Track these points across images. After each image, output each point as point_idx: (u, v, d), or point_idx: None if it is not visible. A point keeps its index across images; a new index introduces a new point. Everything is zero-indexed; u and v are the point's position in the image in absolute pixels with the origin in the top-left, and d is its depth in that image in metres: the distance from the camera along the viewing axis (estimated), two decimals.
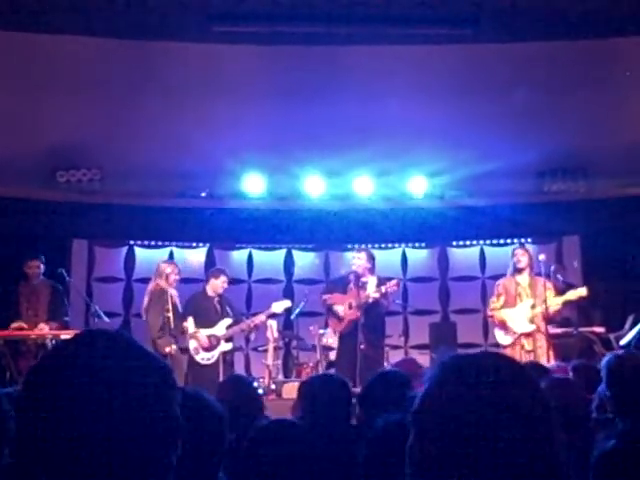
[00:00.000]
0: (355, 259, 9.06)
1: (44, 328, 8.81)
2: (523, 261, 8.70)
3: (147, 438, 1.24)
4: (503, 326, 8.72)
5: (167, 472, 1.27)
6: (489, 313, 9.08)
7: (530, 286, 8.64)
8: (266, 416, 4.31)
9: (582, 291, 8.56)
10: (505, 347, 8.65)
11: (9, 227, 10.39)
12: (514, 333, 8.58)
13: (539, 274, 8.71)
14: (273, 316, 9.48)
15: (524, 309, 8.58)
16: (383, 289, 8.72)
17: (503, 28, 9.61)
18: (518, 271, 8.73)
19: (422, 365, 7.21)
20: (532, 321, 8.53)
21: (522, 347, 8.50)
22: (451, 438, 1.27)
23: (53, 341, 8.67)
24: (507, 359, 1.40)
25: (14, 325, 8.78)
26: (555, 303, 8.50)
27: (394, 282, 8.93)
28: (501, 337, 8.77)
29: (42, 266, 9.21)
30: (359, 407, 3.94)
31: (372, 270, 9.00)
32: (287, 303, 9.43)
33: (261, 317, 9.22)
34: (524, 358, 8.19)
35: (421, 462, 1.30)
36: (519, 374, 1.35)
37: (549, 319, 8.52)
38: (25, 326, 8.83)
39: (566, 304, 8.65)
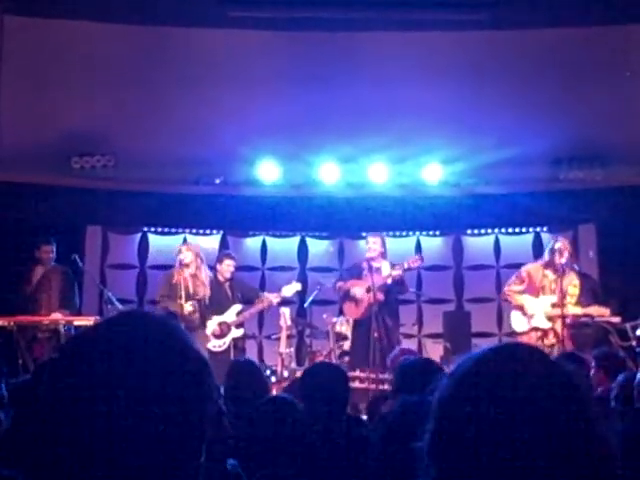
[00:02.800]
0: (371, 243, 9.05)
1: (57, 316, 8.82)
2: (565, 257, 8.41)
3: (173, 433, 1.19)
4: (521, 310, 8.57)
5: (195, 468, 1.24)
6: (505, 292, 8.87)
7: (556, 281, 8.45)
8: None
9: (605, 312, 8.36)
10: (520, 334, 8.56)
11: (23, 213, 10.41)
12: (530, 325, 8.46)
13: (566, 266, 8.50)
14: (285, 303, 9.47)
15: (545, 304, 8.41)
16: (406, 264, 8.75)
17: (519, 14, 9.52)
18: (555, 268, 8.47)
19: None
20: (550, 319, 8.39)
21: (539, 338, 8.34)
22: (475, 442, 1.20)
23: (66, 327, 8.70)
24: (538, 354, 1.30)
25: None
26: (574, 312, 8.34)
27: (417, 257, 8.96)
28: (517, 323, 8.64)
29: (54, 251, 9.22)
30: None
31: (384, 255, 9.02)
32: (297, 286, 9.39)
33: (270, 300, 9.18)
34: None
35: (442, 464, 1.23)
36: (552, 371, 1.25)
37: (567, 323, 8.33)
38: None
39: (586, 316, 8.46)
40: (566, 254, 8.43)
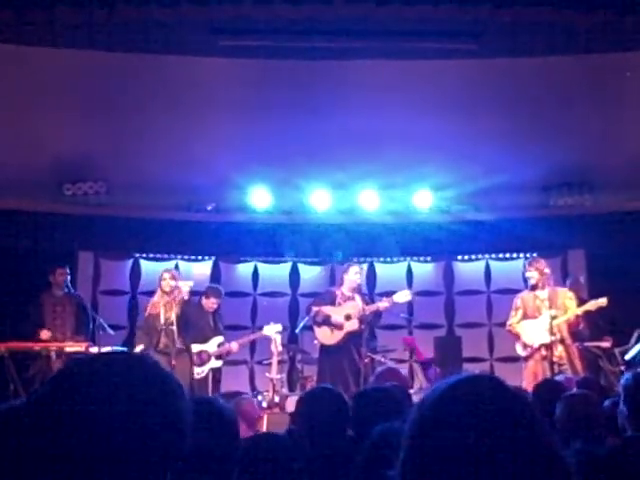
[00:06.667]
0: (358, 274, 9.17)
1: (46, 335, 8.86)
2: (533, 277, 8.61)
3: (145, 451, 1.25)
4: (519, 339, 8.66)
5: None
6: (507, 328, 8.94)
7: (550, 298, 8.54)
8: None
9: (602, 301, 8.43)
10: (526, 359, 8.61)
11: (16, 240, 10.43)
12: (532, 345, 8.49)
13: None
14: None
15: (544, 321, 8.45)
16: (395, 298, 8.93)
17: (508, 43, 9.62)
18: (531, 288, 8.67)
19: (404, 376, 7.27)
20: (552, 332, 8.39)
21: (544, 358, 8.35)
22: (446, 467, 1.24)
23: (57, 353, 8.70)
24: (499, 386, 1.35)
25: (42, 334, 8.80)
26: (574, 313, 8.45)
27: (406, 293, 9.27)
28: (520, 350, 8.71)
29: (68, 275, 9.30)
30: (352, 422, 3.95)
31: (359, 288, 9.27)
32: (278, 327, 9.50)
33: (250, 338, 9.42)
34: (548, 371, 8.14)
35: None
36: (511, 403, 1.30)
37: (571, 328, 8.48)
38: (47, 336, 8.82)
39: (586, 314, 8.56)
40: (531, 272, 8.66)
